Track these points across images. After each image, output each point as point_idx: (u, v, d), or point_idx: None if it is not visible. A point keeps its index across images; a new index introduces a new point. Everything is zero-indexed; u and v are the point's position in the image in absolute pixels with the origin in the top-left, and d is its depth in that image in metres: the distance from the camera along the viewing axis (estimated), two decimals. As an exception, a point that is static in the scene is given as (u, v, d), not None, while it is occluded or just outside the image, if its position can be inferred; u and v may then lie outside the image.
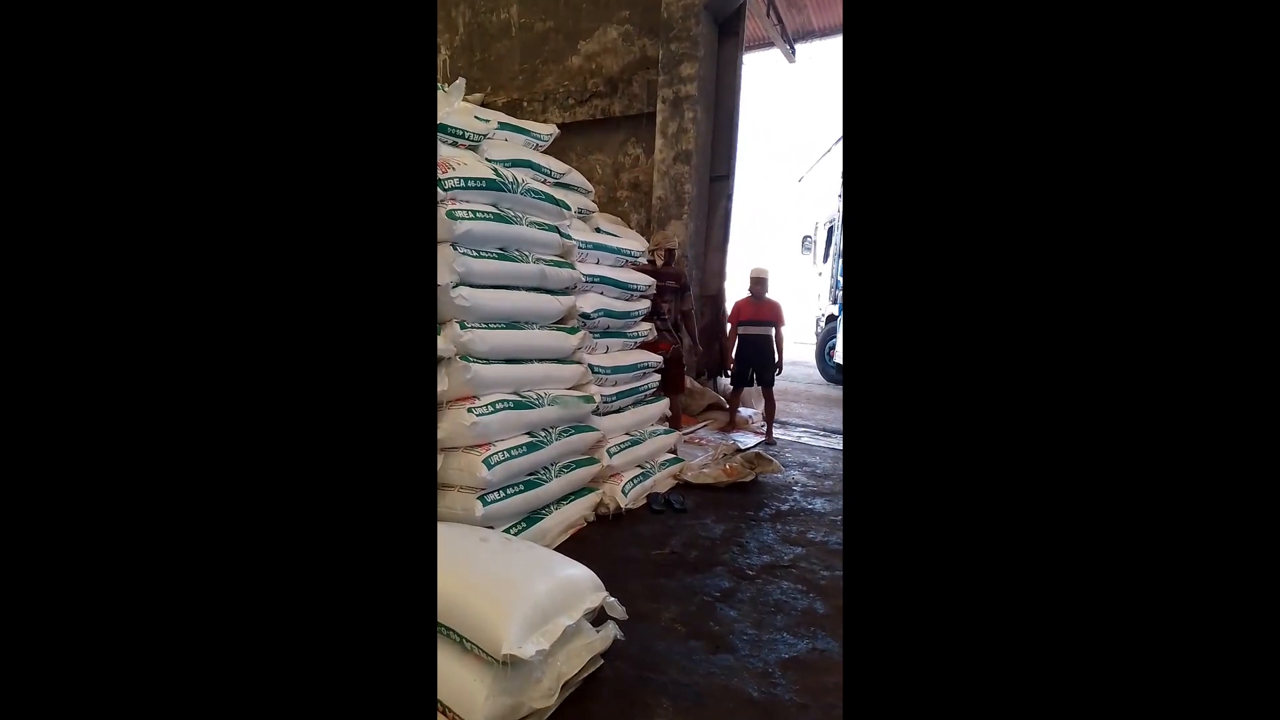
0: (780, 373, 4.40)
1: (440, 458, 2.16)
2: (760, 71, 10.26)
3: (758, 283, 4.32)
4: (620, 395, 3.06)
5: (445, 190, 2.20)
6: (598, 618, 1.64)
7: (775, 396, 4.47)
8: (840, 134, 8.08)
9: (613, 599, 1.65)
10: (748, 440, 4.22)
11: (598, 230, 3.26)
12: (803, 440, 4.52)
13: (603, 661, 1.61)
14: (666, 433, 3.39)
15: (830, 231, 8.08)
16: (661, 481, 3.14)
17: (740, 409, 4.79)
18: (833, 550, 2.52)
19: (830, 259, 8.02)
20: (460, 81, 2.44)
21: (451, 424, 2.15)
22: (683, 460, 3.43)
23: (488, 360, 2.28)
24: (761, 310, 4.30)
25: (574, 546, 2.39)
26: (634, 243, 3.48)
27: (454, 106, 2.41)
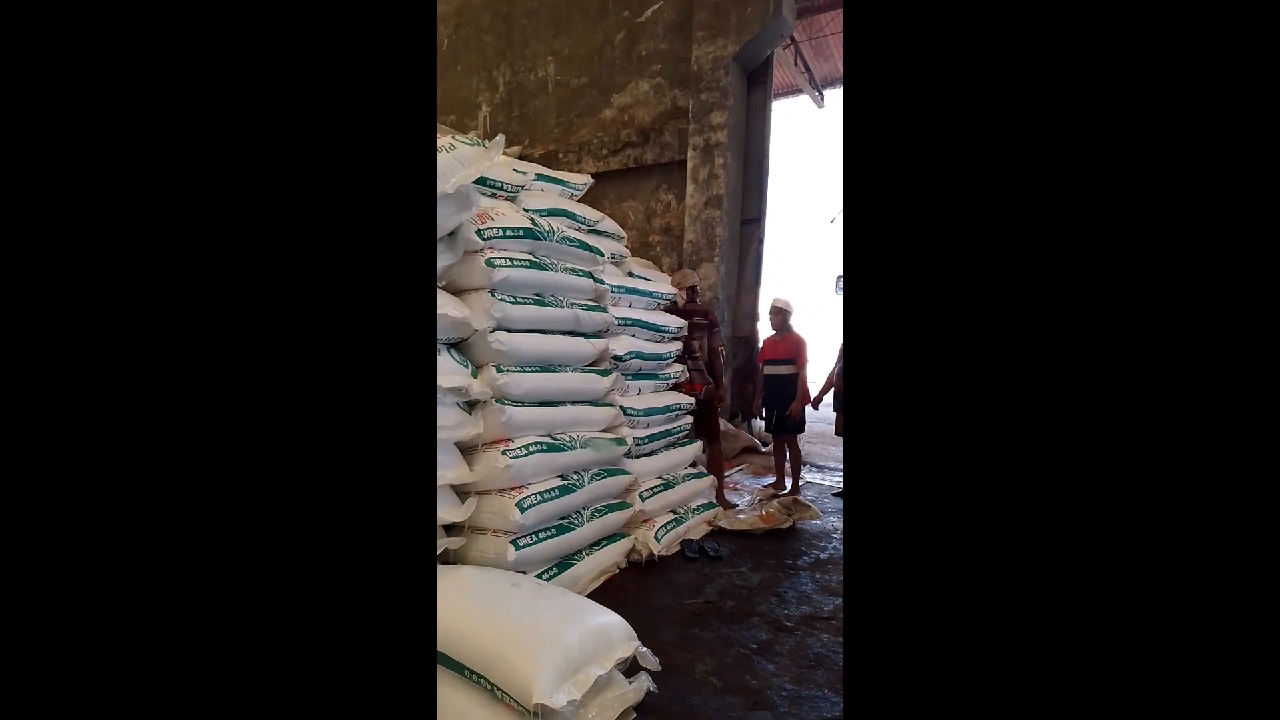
0: (796, 421, 3.93)
1: (474, 500, 2.18)
2: (791, 116, 10.49)
3: (775, 313, 4.04)
4: (652, 438, 3.05)
5: (484, 240, 2.29)
6: (630, 668, 1.60)
7: (803, 442, 4.11)
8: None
9: (645, 649, 1.61)
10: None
11: (630, 274, 3.32)
12: (842, 485, 4.39)
13: (635, 715, 1.56)
14: (700, 476, 3.35)
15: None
16: (695, 527, 3.08)
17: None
18: (875, 602, 2.41)
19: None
20: (500, 137, 2.56)
21: (486, 466, 2.17)
22: (717, 505, 3.36)
23: (522, 403, 2.32)
24: (779, 347, 4.04)
25: (606, 593, 2.35)
26: (666, 286, 3.52)
27: (494, 160, 2.52)
